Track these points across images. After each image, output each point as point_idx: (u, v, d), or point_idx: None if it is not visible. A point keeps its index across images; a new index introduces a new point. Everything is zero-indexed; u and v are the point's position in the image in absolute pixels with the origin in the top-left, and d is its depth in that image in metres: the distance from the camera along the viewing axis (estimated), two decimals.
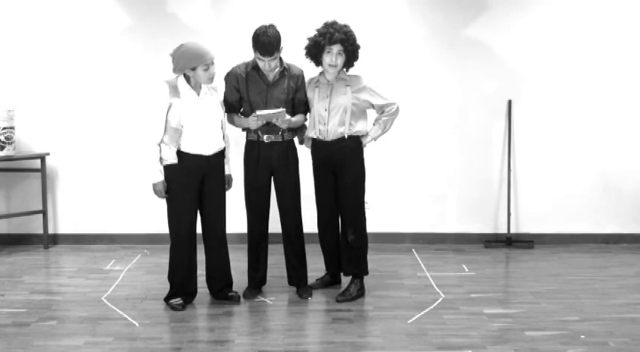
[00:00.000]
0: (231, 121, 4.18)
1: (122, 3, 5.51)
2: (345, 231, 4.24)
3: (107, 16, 5.51)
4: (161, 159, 3.92)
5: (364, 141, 4.16)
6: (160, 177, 3.91)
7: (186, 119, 3.86)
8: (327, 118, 4.10)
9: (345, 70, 4.13)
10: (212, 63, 3.87)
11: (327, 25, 4.04)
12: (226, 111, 4.18)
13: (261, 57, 3.93)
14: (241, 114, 4.22)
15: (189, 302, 4.12)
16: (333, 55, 4.01)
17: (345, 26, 4.03)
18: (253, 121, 3.98)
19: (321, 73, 4.17)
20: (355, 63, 4.12)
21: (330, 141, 4.14)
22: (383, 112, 4.15)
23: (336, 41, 3.97)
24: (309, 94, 4.19)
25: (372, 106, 4.15)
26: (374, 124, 4.20)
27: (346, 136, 4.10)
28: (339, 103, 4.08)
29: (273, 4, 5.39)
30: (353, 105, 4.08)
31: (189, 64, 3.81)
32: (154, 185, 3.92)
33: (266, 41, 3.86)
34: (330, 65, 4.04)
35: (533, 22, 5.50)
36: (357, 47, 4.05)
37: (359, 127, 4.13)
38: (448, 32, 5.52)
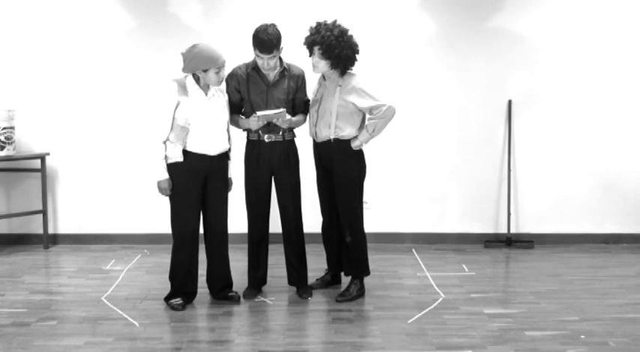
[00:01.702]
0: (232, 122, 4.18)
1: (122, 3, 5.50)
2: (342, 232, 4.24)
3: (107, 16, 5.51)
4: (166, 157, 3.92)
5: (352, 144, 4.08)
6: (164, 174, 3.90)
7: (194, 118, 3.86)
8: (317, 120, 4.10)
9: (339, 71, 4.06)
10: (224, 66, 3.88)
11: (317, 25, 4.02)
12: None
13: (260, 54, 3.93)
14: (242, 115, 4.22)
15: (190, 302, 4.12)
16: (315, 57, 4.01)
17: (330, 30, 3.94)
18: (254, 122, 3.98)
19: (323, 74, 4.16)
20: (348, 67, 4.04)
21: (320, 143, 4.14)
22: (372, 114, 4.05)
23: (312, 43, 3.97)
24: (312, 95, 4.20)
25: (359, 109, 4.06)
26: (365, 126, 4.10)
27: (332, 139, 4.09)
28: (326, 106, 4.06)
29: (273, 4, 5.40)
30: (340, 107, 4.04)
31: (201, 65, 3.82)
32: (159, 182, 3.92)
33: (265, 38, 3.86)
34: (312, 65, 4.05)
35: (533, 23, 5.50)
36: (335, 54, 3.92)
37: (347, 131, 4.06)
38: (449, 32, 5.52)
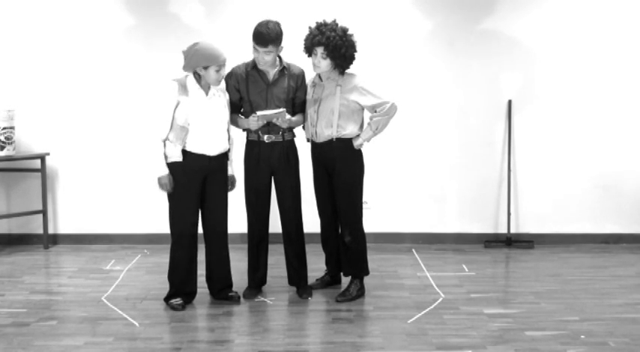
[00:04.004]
0: (231, 122, 4.19)
1: (122, 3, 5.51)
2: (342, 232, 4.24)
3: (107, 16, 5.51)
4: (165, 156, 3.90)
5: (355, 143, 4.10)
6: (165, 170, 3.88)
7: (193, 118, 3.86)
8: (316, 120, 4.10)
9: (338, 70, 4.07)
10: (224, 65, 3.88)
11: (317, 26, 4.01)
12: None
13: (256, 47, 3.92)
14: (241, 115, 4.21)
15: (189, 302, 4.12)
16: (317, 57, 4.00)
17: (334, 30, 3.94)
18: (254, 121, 3.98)
19: (318, 74, 4.16)
20: (350, 66, 4.05)
21: (321, 143, 4.13)
22: (375, 112, 4.06)
23: (316, 44, 3.96)
24: (307, 95, 4.19)
25: (362, 107, 4.09)
26: (367, 124, 4.13)
27: (334, 139, 4.09)
28: (327, 105, 4.05)
29: (273, 3, 5.39)
30: (342, 107, 4.04)
31: (202, 62, 3.81)
32: (160, 178, 3.89)
33: (263, 31, 3.87)
34: (314, 65, 4.05)
35: (533, 23, 5.50)
36: (341, 53, 3.93)
37: (349, 129, 4.07)
38: (449, 32, 5.52)
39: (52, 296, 4.35)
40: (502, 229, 5.67)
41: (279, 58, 4.09)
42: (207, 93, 3.92)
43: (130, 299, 4.22)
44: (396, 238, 5.69)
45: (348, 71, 4.11)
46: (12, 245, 5.68)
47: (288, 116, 4.01)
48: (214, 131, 3.94)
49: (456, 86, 5.58)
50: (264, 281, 4.36)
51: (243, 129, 4.19)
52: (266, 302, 4.17)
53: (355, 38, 4.03)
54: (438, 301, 4.18)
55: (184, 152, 3.89)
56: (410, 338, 3.57)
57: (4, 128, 5.27)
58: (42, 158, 5.49)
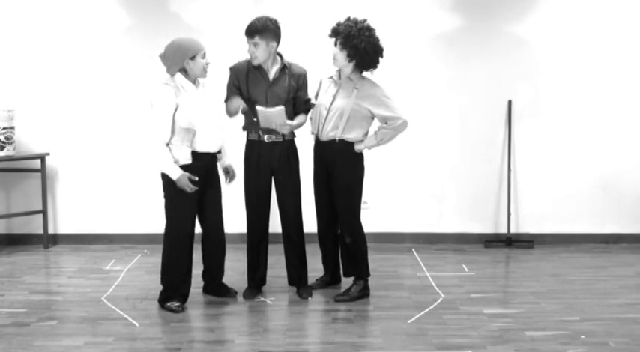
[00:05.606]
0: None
1: (122, 3, 5.51)
2: (342, 234, 4.23)
3: (107, 16, 5.51)
4: (175, 160, 3.83)
5: (356, 146, 4.09)
6: (178, 171, 3.78)
7: (196, 117, 3.83)
8: (325, 118, 4.10)
9: (357, 70, 4.05)
10: (205, 53, 3.88)
11: (345, 19, 4.02)
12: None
13: (246, 38, 3.96)
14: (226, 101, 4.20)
15: (183, 303, 4.08)
16: (335, 48, 4.01)
17: (355, 23, 3.94)
18: (236, 102, 3.98)
19: (338, 70, 4.13)
20: (369, 67, 4.02)
21: (324, 142, 4.13)
22: (386, 124, 4.06)
23: (333, 33, 3.99)
24: (321, 89, 4.18)
25: (373, 116, 4.09)
26: (374, 133, 4.11)
27: (337, 139, 4.08)
28: (338, 106, 4.05)
29: (274, 4, 5.39)
30: (353, 111, 4.03)
31: (189, 53, 3.78)
32: (178, 181, 3.78)
33: (252, 22, 3.92)
34: (333, 58, 4.04)
35: (533, 23, 5.50)
36: (353, 44, 3.90)
37: (353, 134, 4.06)
38: (449, 32, 5.52)
39: (52, 296, 4.35)
40: (502, 229, 5.67)
41: (280, 56, 4.09)
42: (197, 88, 3.90)
43: (130, 299, 4.22)
44: (396, 238, 5.69)
45: (370, 77, 4.09)
46: (12, 245, 5.68)
47: (288, 121, 3.98)
48: (213, 126, 3.93)
49: (456, 86, 5.58)
50: (264, 281, 4.36)
51: (230, 116, 4.16)
52: (266, 302, 4.17)
53: (381, 43, 3.97)
54: (438, 301, 4.18)
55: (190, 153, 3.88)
56: (410, 338, 3.57)
57: (4, 128, 5.27)
58: (42, 158, 5.49)
